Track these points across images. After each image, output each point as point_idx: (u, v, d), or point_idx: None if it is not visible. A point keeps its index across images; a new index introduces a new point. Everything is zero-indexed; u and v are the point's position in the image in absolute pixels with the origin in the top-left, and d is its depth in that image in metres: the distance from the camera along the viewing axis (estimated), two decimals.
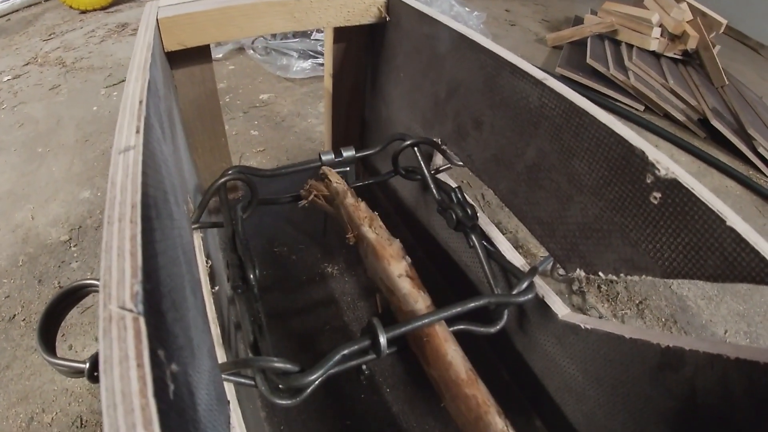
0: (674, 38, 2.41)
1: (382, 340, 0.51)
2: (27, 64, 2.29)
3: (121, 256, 0.29)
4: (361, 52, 0.99)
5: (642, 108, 2.06)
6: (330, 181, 0.74)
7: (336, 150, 0.79)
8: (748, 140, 1.86)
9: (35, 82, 2.08)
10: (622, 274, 0.58)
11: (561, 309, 0.69)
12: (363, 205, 0.69)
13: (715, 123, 1.89)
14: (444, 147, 0.80)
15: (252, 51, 2.06)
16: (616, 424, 0.66)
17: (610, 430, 0.68)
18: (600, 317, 1.15)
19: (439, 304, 0.60)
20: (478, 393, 0.52)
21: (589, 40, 2.40)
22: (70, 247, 1.18)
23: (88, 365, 0.44)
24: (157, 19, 0.73)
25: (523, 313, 0.75)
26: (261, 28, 0.84)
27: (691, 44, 2.34)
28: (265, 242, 1.06)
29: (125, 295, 0.26)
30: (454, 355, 0.55)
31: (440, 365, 0.56)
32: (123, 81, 1.95)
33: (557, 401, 0.77)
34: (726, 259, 0.46)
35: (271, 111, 1.77)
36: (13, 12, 3.35)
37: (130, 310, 0.25)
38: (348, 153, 0.78)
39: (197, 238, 0.72)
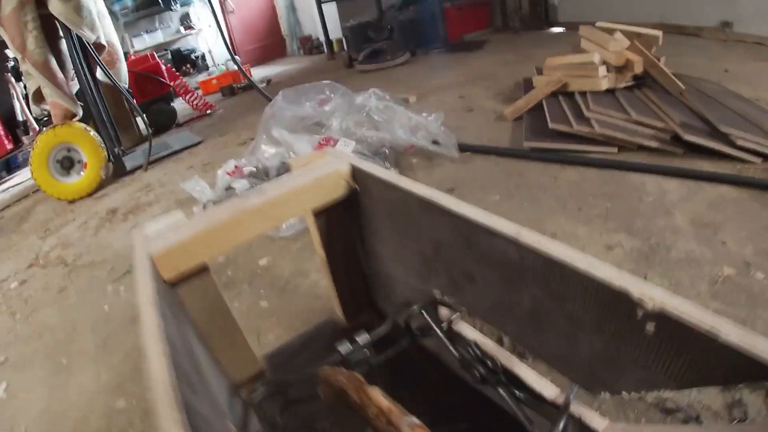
0: (621, 69, 2.52)
1: None
2: (30, 266, 2.38)
3: None
4: (343, 221, 1.05)
5: (616, 150, 2.12)
6: (332, 383, 0.77)
7: (351, 336, 0.83)
8: (725, 138, 1.88)
9: (42, 285, 2.16)
10: (643, 392, 0.60)
11: (600, 424, 0.70)
12: (377, 396, 0.71)
13: (689, 137, 1.92)
14: (446, 298, 0.84)
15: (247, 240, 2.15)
16: None
17: None
18: (676, 407, 1.14)
19: None
20: None
21: (544, 102, 2.52)
22: None
23: None
24: (150, 255, 0.79)
25: None
26: (245, 237, 0.91)
27: (638, 68, 2.44)
28: (307, 424, 1.07)
29: None
30: None
31: None
32: (126, 273, 2.03)
33: None
34: (731, 368, 0.49)
35: (273, 276, 1.82)
36: (4, 208, 3.52)
37: None
38: (362, 338, 0.82)
39: None
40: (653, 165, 1.97)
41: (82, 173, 3.27)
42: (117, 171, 3.52)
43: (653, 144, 2.06)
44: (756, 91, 2.42)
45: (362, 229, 1.03)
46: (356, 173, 0.96)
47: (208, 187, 2.32)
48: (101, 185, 3.35)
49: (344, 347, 0.82)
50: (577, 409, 0.71)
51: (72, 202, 3.21)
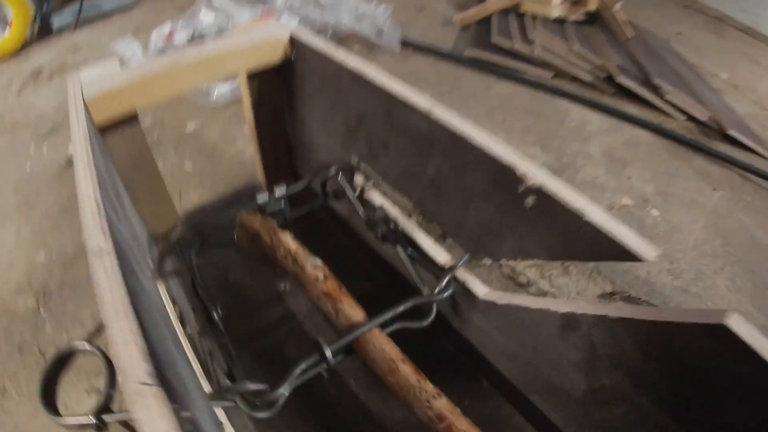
0: (576, 2, 2.55)
1: (328, 353, 0.63)
2: None
3: (127, 345, 0.40)
4: (275, 88, 1.08)
5: (551, 75, 2.20)
6: (247, 227, 0.84)
7: (269, 188, 0.89)
8: (656, 90, 1.99)
9: None
10: (519, 259, 0.71)
11: (480, 290, 0.82)
12: (286, 239, 0.79)
13: (621, 80, 2.02)
14: (362, 165, 0.91)
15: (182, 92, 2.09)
16: (543, 375, 0.80)
17: (540, 382, 0.82)
18: (528, 282, 1.29)
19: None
20: (400, 379, 0.65)
21: (493, 17, 2.53)
22: (40, 312, 1.24)
23: (93, 418, 0.55)
24: (83, 99, 0.80)
25: (454, 299, 0.88)
26: (180, 88, 0.92)
27: (592, 5, 2.48)
28: (220, 272, 1.16)
29: (141, 374, 0.38)
30: (374, 351, 0.67)
31: (368, 362, 0.68)
32: (50, 132, 1.96)
33: (495, 364, 0.90)
34: (591, 244, 0.60)
35: (200, 140, 1.81)
36: None
37: (149, 384, 0.37)
38: (280, 192, 0.88)
39: (162, 290, 0.81)
40: (582, 96, 2.07)
41: (6, 32, 2.99)
42: (43, 30, 3.24)
43: (587, 78, 2.14)
44: (700, 60, 2.51)
45: (292, 98, 1.07)
46: (295, 42, 0.98)
47: (141, 49, 2.22)
48: (26, 45, 3.08)
49: (262, 197, 0.88)
50: (463, 274, 0.82)
51: None
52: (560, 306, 0.69)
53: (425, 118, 0.72)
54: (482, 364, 0.94)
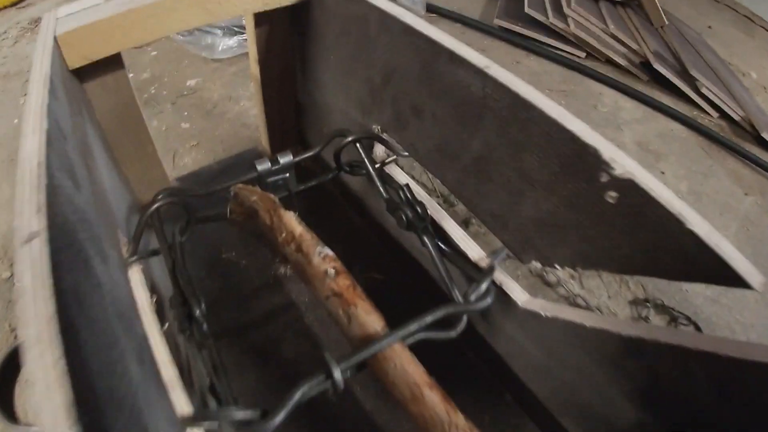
0: None
1: (337, 375, 0.48)
2: None
3: (48, 390, 0.25)
4: (286, 35, 0.91)
5: (584, 55, 2.04)
6: (243, 201, 0.69)
7: (273, 156, 0.73)
8: (691, 81, 1.86)
9: None
10: (578, 268, 0.56)
11: (521, 296, 0.67)
12: (289, 220, 0.63)
13: (658, 66, 1.88)
14: (385, 136, 0.76)
15: (174, 32, 1.93)
16: (582, 399, 0.66)
17: (576, 405, 0.68)
18: (557, 281, 1.16)
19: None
20: (425, 410, 0.50)
21: None
22: (15, 283, 1.09)
23: None
24: (55, 37, 0.65)
25: None
26: (172, 27, 0.76)
27: None
28: (212, 249, 1.00)
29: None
30: (394, 372, 0.52)
31: (386, 385, 0.53)
32: None
33: (524, 379, 0.77)
34: (685, 260, 0.45)
35: (200, 98, 1.67)
36: None
37: None
38: (285, 159, 0.72)
39: (137, 273, 0.66)
40: (616, 80, 1.92)
41: None
42: None
43: (622, 61, 2.00)
44: (730, 57, 2.38)
45: (306, 49, 0.91)
46: None
47: None
48: None
49: (263, 165, 0.72)
50: (500, 276, 0.67)
51: None
52: (622, 327, 0.54)
53: (478, 76, 0.56)
54: (508, 377, 0.80)
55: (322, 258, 0.57)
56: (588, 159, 0.49)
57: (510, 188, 0.59)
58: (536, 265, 0.61)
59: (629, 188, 0.47)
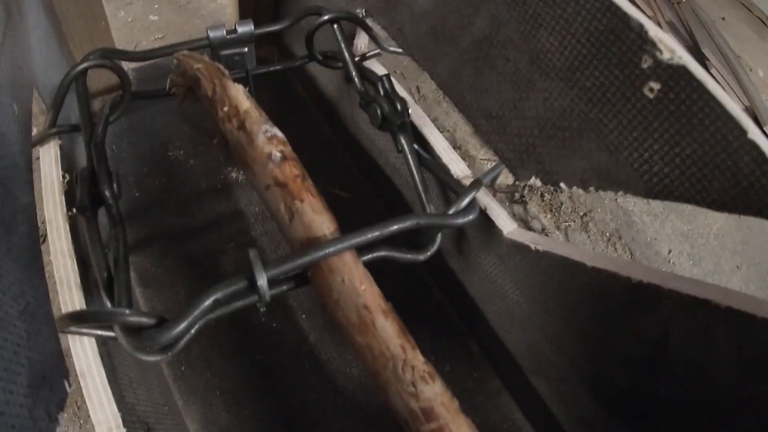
0: None
1: (262, 281, 0.36)
2: None
3: None
4: None
5: None
6: (186, 69, 0.55)
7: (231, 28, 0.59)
8: (701, 59, 1.81)
9: None
10: (591, 188, 0.45)
11: (506, 225, 0.56)
12: (236, 92, 0.50)
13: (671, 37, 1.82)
14: (369, 21, 0.62)
15: None
16: (566, 360, 0.56)
17: (557, 367, 0.59)
18: (542, 230, 1.06)
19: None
20: (374, 342, 0.39)
21: None
22: None
23: None
24: None
25: (463, 230, 0.62)
26: None
27: None
28: (158, 145, 0.87)
29: None
30: (341, 288, 0.40)
31: (329, 306, 0.42)
32: None
33: (496, 328, 0.68)
34: (739, 183, 0.33)
35: None
36: None
37: None
38: (244, 28, 0.59)
39: (52, 148, 0.56)
40: None
41: None
42: None
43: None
44: (740, 51, 2.29)
45: None
46: None
47: None
48: None
49: (216, 32, 0.58)
50: (486, 198, 0.56)
51: None
52: (636, 272, 0.43)
53: None
54: (478, 323, 0.71)
55: (268, 138, 0.44)
56: (627, 38, 0.37)
57: (516, 79, 0.46)
58: (535, 183, 0.49)
59: (678, 79, 0.35)
